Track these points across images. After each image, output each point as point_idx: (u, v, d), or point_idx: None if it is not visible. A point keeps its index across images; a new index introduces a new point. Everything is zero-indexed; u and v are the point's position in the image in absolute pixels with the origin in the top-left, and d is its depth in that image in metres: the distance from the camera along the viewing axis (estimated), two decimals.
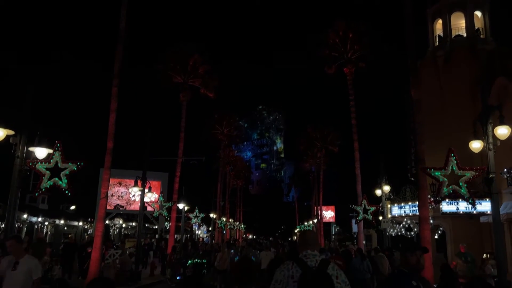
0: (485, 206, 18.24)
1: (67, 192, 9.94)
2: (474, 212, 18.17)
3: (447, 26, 24.02)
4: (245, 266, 3.89)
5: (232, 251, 17.80)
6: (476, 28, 23.82)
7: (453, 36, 23.89)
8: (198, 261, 16.67)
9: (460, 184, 9.82)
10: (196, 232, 55.42)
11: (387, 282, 4.19)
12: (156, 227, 45.08)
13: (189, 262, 16.52)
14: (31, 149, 10.31)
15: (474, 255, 14.40)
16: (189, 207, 31.71)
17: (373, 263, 13.52)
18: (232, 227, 62.23)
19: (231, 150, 55.58)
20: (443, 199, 10.69)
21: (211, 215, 43.88)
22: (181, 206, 27.77)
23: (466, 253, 14.46)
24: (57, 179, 9.87)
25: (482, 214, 18.29)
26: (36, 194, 10.13)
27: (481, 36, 23.74)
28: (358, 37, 26.52)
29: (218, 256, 16.08)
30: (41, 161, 10.00)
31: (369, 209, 20.46)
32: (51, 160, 9.91)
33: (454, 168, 9.84)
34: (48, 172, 9.84)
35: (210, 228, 52.29)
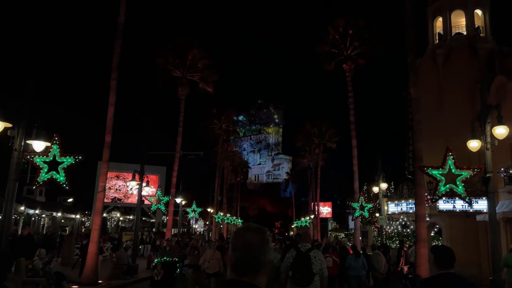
0: (481, 204, 18.29)
1: (65, 185, 9.94)
2: (471, 210, 18.22)
3: (447, 24, 23.96)
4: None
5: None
6: (476, 26, 23.75)
7: (453, 34, 23.83)
8: (168, 259, 13.11)
9: (458, 183, 9.86)
10: (194, 226, 55.54)
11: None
12: (154, 220, 45.15)
13: (155, 261, 13.09)
14: (29, 142, 10.27)
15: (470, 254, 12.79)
16: (186, 202, 31.75)
17: (369, 260, 13.59)
18: (229, 221, 62.35)
19: (229, 145, 55.55)
20: (440, 197, 10.72)
21: (209, 209, 43.96)
22: (178, 200, 27.81)
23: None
24: (54, 172, 9.86)
25: (479, 212, 18.35)
26: (34, 187, 10.12)
27: (481, 35, 23.68)
28: (358, 34, 26.49)
29: (207, 255, 12.94)
30: (39, 154, 9.98)
31: (366, 206, 20.56)
32: (49, 154, 9.90)
33: (451, 167, 9.87)
34: (46, 165, 9.83)
35: (207, 223, 52.38)
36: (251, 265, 1.89)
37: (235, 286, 1.88)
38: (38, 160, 9.88)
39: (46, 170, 9.87)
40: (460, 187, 9.80)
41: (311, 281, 6.74)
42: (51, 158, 9.88)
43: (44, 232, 21.51)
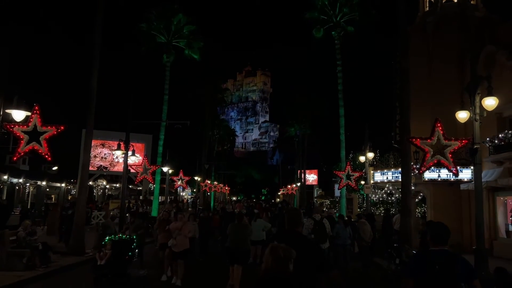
0: (465, 173, 18.57)
1: (47, 156, 9.68)
2: (463, 179, 18.53)
3: None
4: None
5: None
6: None
7: (444, 1, 23.44)
8: (124, 237, 10.39)
9: (446, 154, 9.87)
10: (181, 194, 55.76)
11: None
12: (140, 188, 45.11)
13: (107, 239, 10.26)
14: (8, 111, 9.93)
15: (453, 222, 13.83)
16: (173, 170, 31.64)
17: (355, 229, 13.75)
18: (216, 189, 62.74)
19: (215, 113, 55.14)
20: (428, 168, 10.76)
21: (196, 178, 44.03)
22: (165, 169, 27.68)
23: None
24: (35, 143, 9.57)
25: (463, 181, 18.64)
26: (15, 158, 9.85)
27: (472, 2, 23.33)
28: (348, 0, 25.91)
29: (180, 227, 9.78)
30: (19, 124, 9.66)
31: (352, 175, 20.72)
32: (30, 124, 9.58)
33: (440, 139, 9.86)
34: (27, 135, 9.53)
35: (194, 190, 52.60)
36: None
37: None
38: (18, 130, 9.56)
39: (27, 140, 9.58)
40: (447, 158, 9.83)
41: (326, 239, 10.43)
42: (32, 129, 9.57)
43: None
